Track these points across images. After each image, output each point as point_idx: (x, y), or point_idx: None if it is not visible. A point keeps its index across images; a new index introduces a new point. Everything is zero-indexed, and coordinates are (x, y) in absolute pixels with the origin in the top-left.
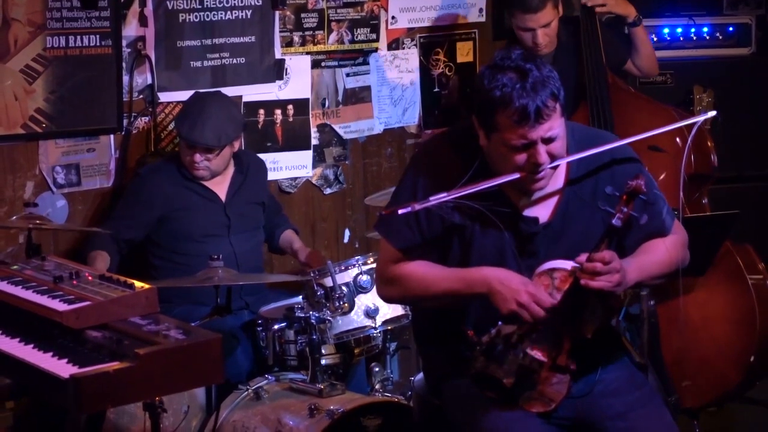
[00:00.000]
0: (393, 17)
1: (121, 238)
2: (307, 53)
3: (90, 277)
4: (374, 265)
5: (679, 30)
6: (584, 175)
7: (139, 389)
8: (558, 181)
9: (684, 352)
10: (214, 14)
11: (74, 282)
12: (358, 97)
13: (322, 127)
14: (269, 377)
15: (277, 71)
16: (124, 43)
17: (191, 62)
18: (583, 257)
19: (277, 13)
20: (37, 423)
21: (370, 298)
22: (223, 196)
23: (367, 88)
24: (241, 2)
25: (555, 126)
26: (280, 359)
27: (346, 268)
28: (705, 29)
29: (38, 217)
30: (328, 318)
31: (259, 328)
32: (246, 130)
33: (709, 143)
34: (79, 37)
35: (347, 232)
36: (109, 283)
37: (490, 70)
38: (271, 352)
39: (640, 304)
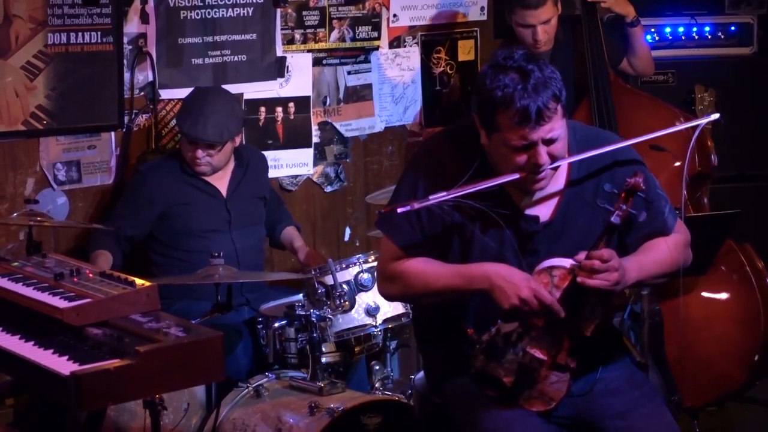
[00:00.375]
0: (394, 15)
1: (122, 236)
2: (309, 51)
3: (91, 275)
4: (375, 264)
5: (681, 29)
6: (586, 176)
7: (139, 387)
8: (559, 181)
9: (687, 351)
10: (215, 11)
11: (75, 279)
12: (360, 95)
13: (323, 125)
14: (269, 375)
15: (278, 69)
16: (125, 40)
17: (192, 59)
18: (582, 255)
19: (278, 10)
20: (37, 420)
21: (370, 297)
22: (224, 191)
23: (369, 86)
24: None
25: (556, 127)
26: (280, 357)
27: (347, 266)
28: (707, 29)
29: (39, 213)
30: (329, 316)
31: (259, 326)
32: (247, 127)
33: (709, 143)
34: (80, 34)
35: (348, 231)
36: (109, 281)
37: (492, 70)
38: (271, 350)
39: (641, 303)
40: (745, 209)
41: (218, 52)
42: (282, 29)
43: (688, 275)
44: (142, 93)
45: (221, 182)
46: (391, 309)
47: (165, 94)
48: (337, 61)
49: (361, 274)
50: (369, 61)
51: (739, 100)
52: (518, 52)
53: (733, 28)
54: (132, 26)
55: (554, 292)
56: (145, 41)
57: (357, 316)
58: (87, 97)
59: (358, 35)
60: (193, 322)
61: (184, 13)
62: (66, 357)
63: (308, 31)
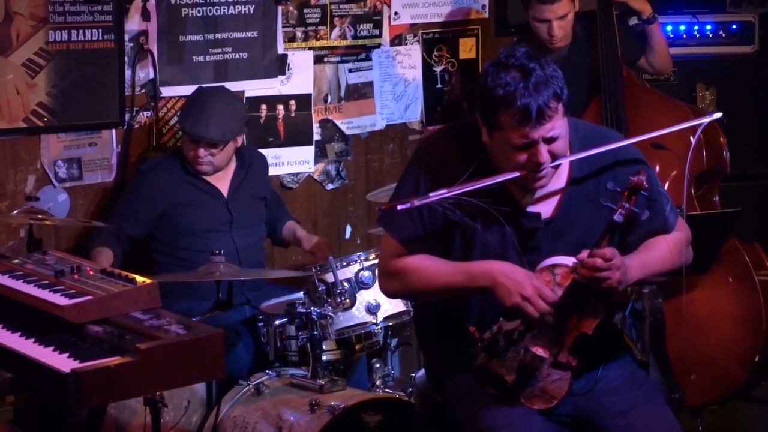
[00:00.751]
0: (396, 13)
1: (123, 234)
2: (310, 49)
3: (91, 272)
4: (376, 261)
5: (683, 28)
6: (587, 174)
7: (140, 384)
8: (561, 179)
9: (689, 350)
10: (216, 9)
11: (75, 276)
12: (361, 92)
13: (324, 123)
14: (270, 373)
15: (279, 66)
16: (126, 37)
17: (194, 57)
18: (584, 254)
19: (279, 8)
20: (37, 417)
21: (371, 294)
22: (225, 191)
23: (370, 84)
24: None
25: (557, 126)
26: (281, 355)
27: (348, 264)
28: (708, 27)
29: (40, 211)
30: (330, 314)
31: (260, 324)
32: (248, 125)
33: (721, 139)
34: (81, 31)
35: (349, 228)
36: (110, 278)
37: (494, 68)
38: (272, 348)
39: (643, 301)
40: (747, 208)
41: (219, 50)
42: (283, 27)
43: (690, 274)
44: (143, 90)
45: (222, 182)
46: (391, 307)
47: (166, 91)
48: (338, 58)
49: (362, 271)
50: (370, 59)
51: (741, 98)
52: (520, 49)
53: (734, 26)
54: (133, 23)
55: (556, 290)
56: (147, 38)
57: (358, 314)
58: (88, 94)
59: (360, 33)
60: (194, 319)
61: (185, 11)
62: (66, 354)
63: (309, 28)
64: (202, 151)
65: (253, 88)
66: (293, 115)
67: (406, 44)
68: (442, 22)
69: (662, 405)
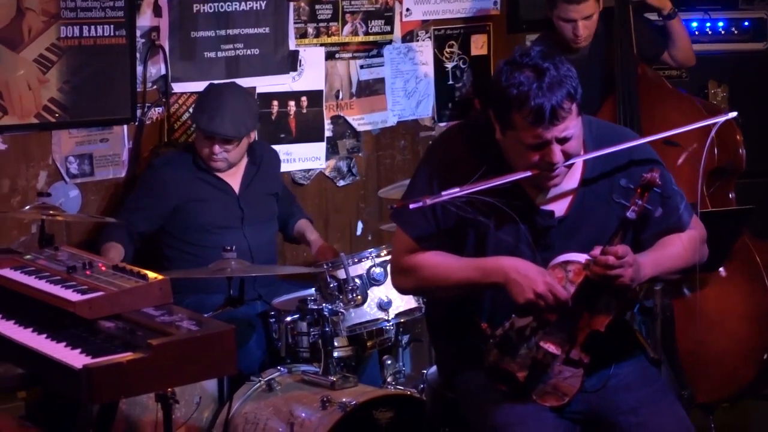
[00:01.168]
0: (407, 9)
1: (134, 229)
2: (321, 45)
3: (103, 268)
4: (387, 258)
5: (695, 24)
6: (601, 173)
7: (151, 380)
8: (574, 177)
9: (699, 347)
10: (228, 5)
11: (87, 272)
12: (372, 89)
13: (335, 119)
14: (281, 369)
15: (291, 63)
16: (138, 33)
17: (205, 53)
18: (597, 250)
19: (291, 4)
20: (48, 413)
21: (383, 291)
22: (236, 187)
23: (381, 80)
24: None
25: (570, 126)
26: (292, 351)
27: (360, 261)
28: (720, 24)
29: (51, 207)
30: (341, 310)
31: (271, 320)
32: (260, 121)
33: (738, 137)
34: (93, 27)
35: (360, 225)
36: (122, 274)
37: (508, 67)
38: (283, 344)
39: (654, 299)
40: (757, 205)
41: (231, 46)
42: (295, 23)
43: (701, 271)
44: (155, 86)
45: (234, 179)
46: (403, 303)
47: (177, 87)
48: (349, 55)
49: (374, 268)
50: (382, 55)
51: (753, 95)
52: (535, 48)
53: (746, 23)
54: (145, 19)
55: (568, 287)
56: (158, 34)
57: (369, 311)
58: (99, 90)
59: (371, 29)
60: (206, 315)
61: (197, 7)
62: (78, 350)
63: (321, 25)
64: (216, 148)
65: (265, 84)
66: (305, 111)
67: (417, 41)
68: (453, 18)
69: (674, 402)
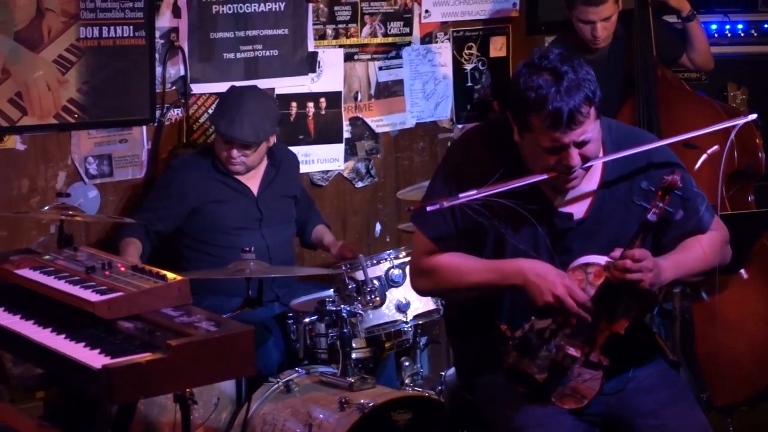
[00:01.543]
0: (426, 11)
1: (151, 229)
2: (340, 46)
3: (122, 268)
4: (406, 260)
5: (714, 27)
6: (620, 176)
7: (170, 381)
8: (593, 179)
9: (718, 350)
10: (247, 6)
11: (106, 272)
12: (391, 90)
13: (354, 121)
14: (300, 370)
15: (309, 64)
16: (157, 34)
17: (224, 54)
18: (617, 252)
19: (310, 5)
20: (67, 413)
21: (401, 292)
22: (255, 189)
23: (400, 82)
24: None
25: (588, 130)
26: (310, 352)
27: (378, 262)
28: (740, 26)
29: (70, 207)
30: (359, 312)
31: (290, 321)
32: (280, 124)
33: (757, 140)
34: (112, 28)
35: (378, 226)
36: (141, 274)
37: (527, 69)
38: (301, 345)
39: (673, 302)
40: None
41: (250, 47)
42: (314, 24)
43: (721, 274)
44: (174, 87)
45: (253, 181)
46: (421, 305)
47: (196, 88)
48: (368, 56)
49: (392, 269)
50: (400, 57)
51: None
52: (554, 51)
53: (766, 25)
54: (164, 20)
55: (588, 289)
56: (177, 35)
57: (387, 312)
58: (119, 91)
59: (390, 31)
60: (224, 316)
61: (216, 8)
62: (97, 350)
63: (340, 26)
64: (235, 152)
65: (284, 85)
66: (323, 112)
67: (436, 42)
68: (472, 20)
69: (694, 405)
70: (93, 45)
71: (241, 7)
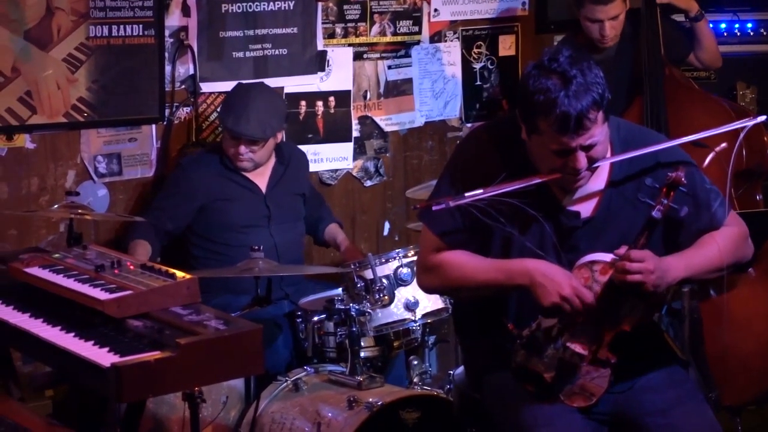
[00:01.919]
0: (435, 10)
1: (161, 228)
2: (349, 45)
3: (131, 266)
4: (415, 258)
5: (723, 26)
6: (627, 176)
7: (179, 379)
8: (601, 178)
9: (726, 349)
10: (256, 5)
11: (116, 271)
12: (400, 89)
13: (363, 120)
14: (308, 369)
15: (319, 63)
16: (166, 32)
17: (233, 53)
18: (623, 249)
19: (319, 4)
20: (76, 411)
21: (410, 291)
22: (263, 187)
23: (409, 81)
24: None
25: (596, 134)
26: (319, 351)
27: (387, 261)
28: (749, 25)
29: (80, 206)
30: (368, 310)
31: (298, 320)
32: (287, 121)
33: (765, 138)
34: (122, 27)
35: (387, 225)
36: (150, 273)
37: (536, 71)
38: (310, 344)
39: (681, 301)
40: None
41: (259, 46)
42: (323, 23)
43: (730, 272)
44: (183, 86)
45: (261, 178)
46: (430, 304)
47: (206, 87)
48: (377, 55)
49: (401, 268)
50: (409, 56)
51: None
52: (564, 53)
53: None
54: (173, 19)
55: (594, 286)
56: (187, 34)
57: (396, 311)
58: (128, 89)
59: (399, 30)
60: (233, 315)
61: (225, 7)
62: (106, 348)
63: (349, 25)
64: (242, 148)
65: (293, 84)
66: (332, 111)
67: (445, 41)
68: (481, 18)
69: (703, 404)
70: (102, 44)
71: (250, 6)
